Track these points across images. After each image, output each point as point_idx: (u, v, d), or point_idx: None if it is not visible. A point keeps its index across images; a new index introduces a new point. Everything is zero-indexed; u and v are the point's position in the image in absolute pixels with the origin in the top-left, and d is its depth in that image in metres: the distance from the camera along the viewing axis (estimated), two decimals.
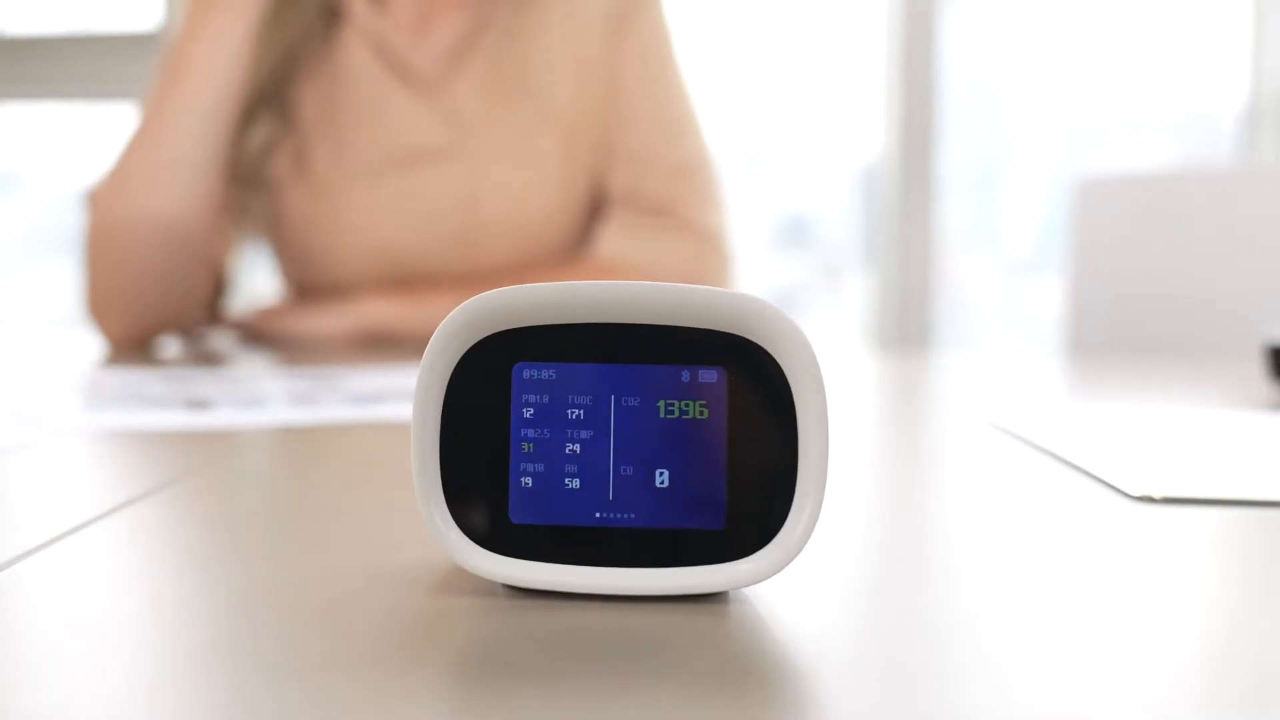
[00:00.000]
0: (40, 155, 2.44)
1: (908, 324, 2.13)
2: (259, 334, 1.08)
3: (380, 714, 0.20)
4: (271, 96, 1.08)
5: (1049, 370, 0.97)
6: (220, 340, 1.09)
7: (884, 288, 2.16)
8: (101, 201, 1.03)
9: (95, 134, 2.37)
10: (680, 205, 1.11)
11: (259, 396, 0.63)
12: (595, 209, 1.15)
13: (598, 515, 0.27)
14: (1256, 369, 0.85)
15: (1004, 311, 2.34)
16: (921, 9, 2.10)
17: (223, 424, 0.54)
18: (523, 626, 0.25)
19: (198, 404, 0.60)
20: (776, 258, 2.32)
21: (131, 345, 1.05)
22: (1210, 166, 1.32)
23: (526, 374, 0.27)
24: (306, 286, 1.15)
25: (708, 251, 1.12)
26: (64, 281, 2.49)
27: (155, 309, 1.03)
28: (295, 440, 0.51)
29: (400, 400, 0.61)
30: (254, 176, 1.10)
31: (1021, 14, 2.24)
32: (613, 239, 1.10)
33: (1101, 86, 2.21)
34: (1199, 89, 2.21)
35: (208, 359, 0.93)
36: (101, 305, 1.04)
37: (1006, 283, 2.35)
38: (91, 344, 1.04)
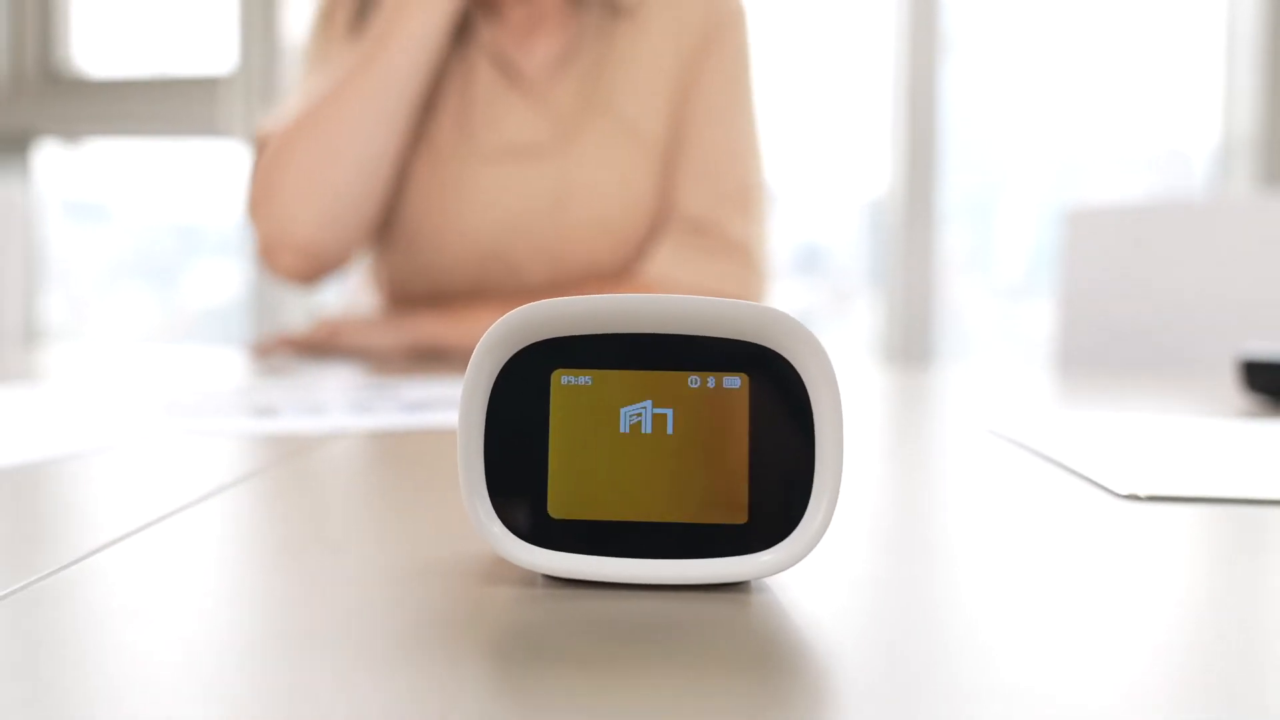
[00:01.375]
0: (126, 188, 2.47)
1: (911, 342, 2.12)
2: (321, 348, 1.08)
3: (429, 692, 0.20)
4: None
5: (1042, 383, 0.96)
6: (284, 355, 1.09)
7: (889, 310, 2.15)
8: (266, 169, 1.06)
9: (175, 168, 2.40)
10: (729, 225, 1.09)
11: (321, 404, 0.63)
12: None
13: (630, 510, 0.27)
14: (1231, 381, 0.84)
15: (998, 332, 2.32)
16: (924, 58, 2.09)
17: (287, 429, 0.54)
18: (560, 613, 0.25)
19: (265, 411, 0.60)
20: (792, 283, 2.31)
21: (303, 279, 1.10)
22: (1189, 198, 1.31)
23: (564, 380, 0.27)
24: (401, 280, 1.14)
25: (750, 273, 1.10)
26: (146, 305, 2.52)
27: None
28: (353, 444, 0.51)
29: (449, 408, 0.61)
30: None
31: (1014, 63, 2.24)
32: (663, 259, 1.07)
33: (1087, 126, 2.20)
34: (1175, 128, 2.20)
35: (274, 370, 0.93)
36: (269, 252, 1.08)
37: (1000, 305, 2.34)
38: (166, 362, 1.05)
